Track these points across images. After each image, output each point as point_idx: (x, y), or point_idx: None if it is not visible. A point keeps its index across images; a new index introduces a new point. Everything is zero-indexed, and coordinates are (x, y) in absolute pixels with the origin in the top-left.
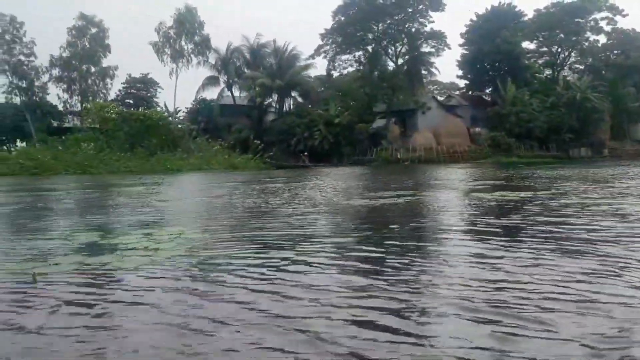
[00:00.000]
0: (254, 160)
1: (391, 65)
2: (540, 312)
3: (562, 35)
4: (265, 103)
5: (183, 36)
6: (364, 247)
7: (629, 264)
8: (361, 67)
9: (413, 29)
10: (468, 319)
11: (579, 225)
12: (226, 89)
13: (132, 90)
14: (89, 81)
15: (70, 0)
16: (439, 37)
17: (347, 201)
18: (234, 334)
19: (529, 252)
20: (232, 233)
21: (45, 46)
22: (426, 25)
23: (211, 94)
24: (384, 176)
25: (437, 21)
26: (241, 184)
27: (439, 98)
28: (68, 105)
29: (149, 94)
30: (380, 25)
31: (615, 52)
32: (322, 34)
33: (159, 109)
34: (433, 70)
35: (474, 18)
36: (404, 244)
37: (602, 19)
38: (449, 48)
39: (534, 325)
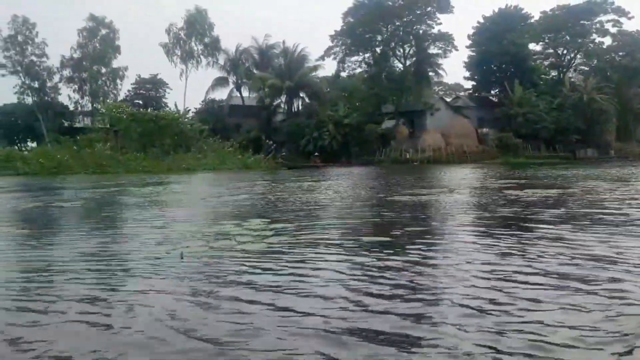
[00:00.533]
0: (266, 161)
1: (399, 67)
2: None
3: (567, 37)
4: (274, 103)
5: (193, 37)
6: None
7: None
8: (369, 69)
9: (421, 31)
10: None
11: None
12: (235, 90)
13: (141, 91)
14: (99, 82)
15: (80, 1)
16: (446, 39)
17: (391, 197)
18: None
19: (609, 234)
20: (314, 222)
21: (56, 47)
22: (433, 27)
23: (220, 94)
24: (403, 176)
25: (444, 23)
26: (269, 182)
27: (445, 99)
28: (79, 106)
29: (158, 95)
30: (388, 27)
31: (621, 53)
32: (331, 36)
33: (167, 109)
34: (440, 71)
35: (481, 20)
36: (496, 230)
37: (608, 21)
38: (456, 50)
39: None
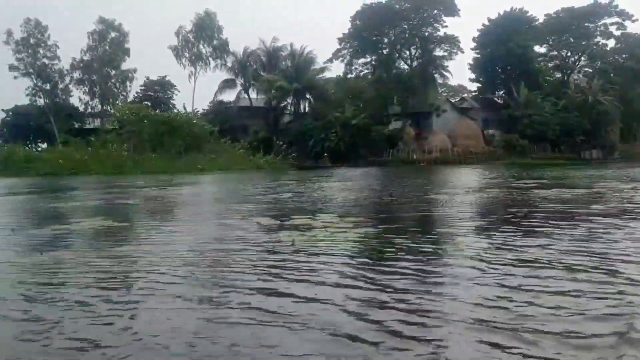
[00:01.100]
0: (277, 161)
1: (406, 69)
2: None
3: (571, 40)
4: (282, 105)
5: (202, 40)
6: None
7: None
8: (376, 71)
9: (427, 33)
10: None
11: None
12: (243, 92)
13: (150, 93)
14: (109, 84)
15: (90, 4)
16: (451, 41)
17: (432, 195)
18: None
19: None
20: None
21: (67, 49)
22: (439, 30)
23: (228, 96)
24: (419, 176)
25: (450, 25)
26: (297, 182)
27: (451, 100)
28: (89, 107)
29: (166, 96)
30: (395, 29)
31: (624, 55)
32: (339, 39)
33: (176, 110)
34: (446, 73)
35: (486, 22)
36: (564, 222)
37: (612, 23)
38: (462, 52)
39: None
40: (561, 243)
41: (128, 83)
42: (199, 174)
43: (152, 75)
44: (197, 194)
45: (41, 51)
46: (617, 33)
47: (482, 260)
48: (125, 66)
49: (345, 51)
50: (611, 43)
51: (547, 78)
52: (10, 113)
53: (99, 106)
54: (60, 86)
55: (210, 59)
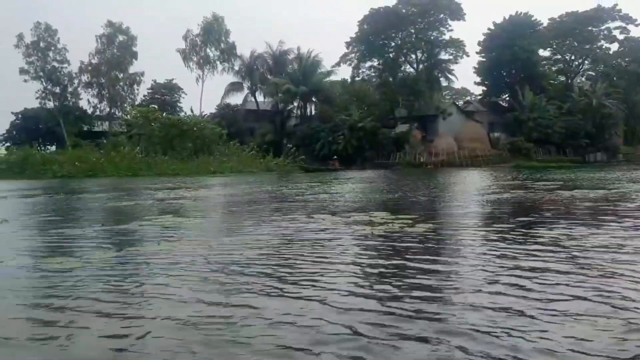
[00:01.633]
0: (287, 164)
1: (412, 72)
2: None
3: (575, 44)
4: (288, 108)
5: (209, 44)
6: None
7: None
8: (382, 74)
9: (432, 37)
10: None
11: None
12: (250, 95)
13: (157, 96)
14: (117, 87)
15: (99, 8)
16: (457, 45)
17: (461, 195)
18: None
19: None
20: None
21: (75, 52)
22: (445, 34)
23: (235, 99)
24: (432, 178)
25: (455, 29)
26: (323, 183)
27: (457, 104)
28: (98, 110)
29: (173, 99)
30: (402, 33)
31: (627, 59)
32: (347, 42)
33: (183, 113)
34: (451, 77)
35: (491, 27)
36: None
37: (616, 28)
38: (467, 55)
39: None
40: (620, 232)
41: (136, 86)
42: (213, 176)
43: (159, 79)
44: (235, 194)
45: (51, 54)
46: (621, 37)
47: (564, 247)
48: (132, 69)
49: (353, 55)
50: (614, 47)
51: (552, 82)
52: (20, 116)
53: (107, 109)
54: (70, 89)
55: (218, 62)
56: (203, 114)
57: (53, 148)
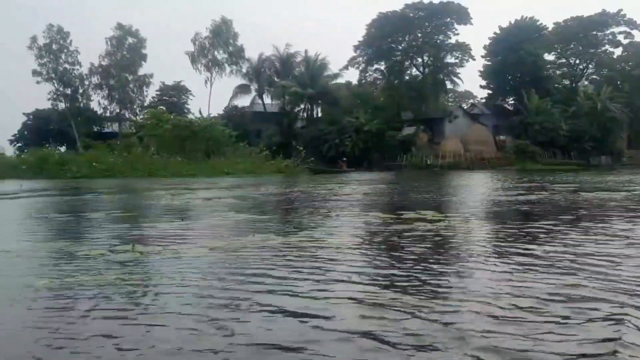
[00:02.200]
0: (297, 165)
1: (418, 75)
2: None
3: (580, 48)
4: (296, 110)
5: (218, 46)
6: None
7: None
8: (389, 77)
9: (438, 41)
10: None
11: None
12: (257, 97)
13: (165, 97)
14: (127, 89)
15: (109, 10)
16: (463, 49)
17: (493, 197)
18: None
19: None
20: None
21: (85, 54)
22: (450, 37)
23: (243, 101)
24: (446, 179)
25: (461, 33)
26: (341, 184)
27: (463, 107)
28: (108, 112)
29: (181, 101)
30: (408, 37)
31: (630, 63)
32: (355, 46)
33: (190, 115)
34: (457, 80)
35: (497, 31)
36: None
37: (620, 32)
38: (473, 59)
39: None
40: None
41: (145, 88)
42: (228, 177)
43: (167, 81)
44: (274, 194)
45: (63, 57)
46: (625, 42)
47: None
48: (142, 71)
49: (360, 58)
50: (618, 51)
51: (557, 85)
52: (31, 117)
53: (117, 110)
54: (80, 91)
55: (226, 64)
56: (211, 115)
57: (63, 149)
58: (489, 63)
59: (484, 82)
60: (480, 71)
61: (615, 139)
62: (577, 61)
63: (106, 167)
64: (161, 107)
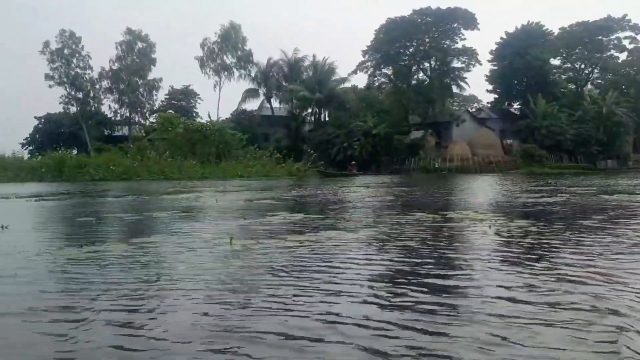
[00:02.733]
0: (308, 169)
1: (425, 79)
2: None
3: (585, 52)
4: (304, 114)
5: (227, 51)
6: None
7: None
8: (397, 82)
9: (445, 45)
10: None
11: None
12: (265, 101)
13: (174, 101)
14: (137, 92)
15: (119, 15)
16: (470, 54)
17: (523, 200)
18: None
19: None
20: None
21: (96, 59)
22: (457, 42)
23: (251, 105)
24: (466, 183)
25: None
26: (364, 187)
27: (470, 111)
28: (119, 115)
29: (189, 105)
30: (416, 42)
31: (635, 68)
32: (364, 51)
33: (198, 119)
34: (463, 84)
35: (504, 36)
36: None
37: (625, 37)
38: (480, 64)
39: None
40: None
41: (154, 92)
42: (243, 179)
43: (176, 85)
44: (304, 196)
45: (74, 61)
46: (630, 46)
47: None
48: (151, 75)
49: (369, 63)
50: (623, 56)
51: (563, 90)
52: (43, 120)
53: (127, 114)
54: (92, 95)
55: (235, 69)
56: (220, 119)
57: (74, 152)
58: (496, 67)
59: (489, 86)
60: (486, 75)
61: (621, 143)
62: (583, 66)
63: (122, 170)
64: (170, 111)
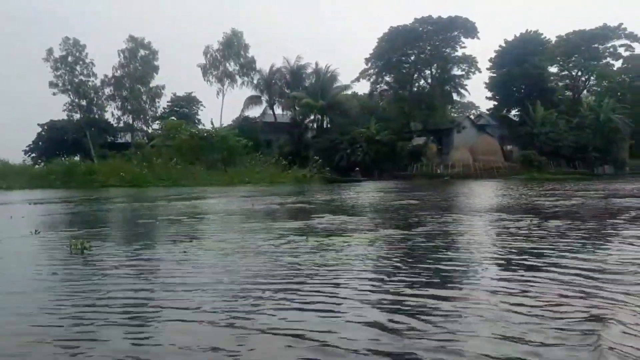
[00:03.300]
0: (314, 175)
1: (426, 87)
2: None
3: (582, 60)
4: (306, 121)
5: (230, 58)
6: None
7: None
8: (398, 89)
9: (445, 53)
10: None
11: None
12: (268, 108)
13: (176, 108)
14: (140, 100)
15: (121, 23)
16: (469, 61)
17: (542, 203)
18: None
19: None
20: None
21: (98, 66)
22: (458, 50)
23: (254, 112)
24: (474, 188)
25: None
26: (380, 193)
27: (471, 117)
28: (122, 122)
29: (192, 112)
30: (417, 50)
31: (631, 75)
32: (366, 59)
33: (201, 126)
34: (463, 91)
35: (503, 44)
36: None
37: (621, 45)
38: (479, 72)
39: None
40: None
41: (157, 99)
42: (252, 185)
43: (178, 92)
44: (328, 201)
45: (78, 68)
46: (626, 54)
47: None
48: (154, 83)
49: (372, 70)
50: (618, 64)
51: (560, 97)
52: (46, 127)
53: (130, 121)
54: (96, 102)
55: (237, 76)
56: (223, 126)
57: (77, 159)
58: (495, 75)
59: (487, 93)
60: (486, 83)
61: (617, 149)
62: (580, 73)
63: (132, 177)
64: (172, 118)
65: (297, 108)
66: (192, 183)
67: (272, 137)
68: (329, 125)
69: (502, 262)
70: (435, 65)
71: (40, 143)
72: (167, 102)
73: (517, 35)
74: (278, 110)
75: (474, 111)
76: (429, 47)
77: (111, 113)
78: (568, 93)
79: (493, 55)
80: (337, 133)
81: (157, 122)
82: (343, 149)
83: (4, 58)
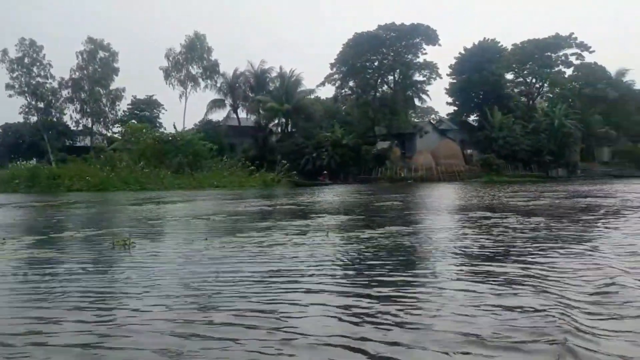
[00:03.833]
0: (281, 179)
1: (389, 92)
2: None
3: (536, 68)
4: (271, 125)
5: (193, 62)
6: None
7: None
8: (362, 94)
9: (408, 60)
10: None
11: None
12: (232, 111)
13: (137, 111)
14: (99, 102)
15: (79, 24)
16: (431, 68)
17: (525, 203)
18: None
19: None
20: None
21: (56, 68)
22: (419, 57)
23: (217, 115)
24: (443, 191)
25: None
26: (359, 195)
27: (432, 122)
28: (81, 125)
29: (153, 115)
30: (380, 56)
31: (581, 82)
32: (331, 64)
33: (162, 129)
34: (424, 97)
35: (462, 51)
36: None
37: (572, 54)
38: (440, 78)
39: None
40: None
41: (117, 102)
42: (225, 189)
43: (140, 95)
44: (315, 202)
45: (35, 70)
46: (577, 62)
47: None
48: (114, 85)
49: (336, 75)
50: (569, 71)
51: (516, 102)
52: (0, 130)
53: (90, 124)
54: (54, 104)
55: (200, 79)
56: (186, 130)
57: (33, 162)
58: (455, 81)
59: (447, 98)
60: (446, 88)
61: (570, 153)
62: (534, 80)
63: (99, 181)
64: (133, 121)
65: (261, 112)
66: (160, 187)
67: (236, 141)
68: (293, 130)
69: (517, 248)
70: (397, 70)
71: None
72: (128, 105)
73: (476, 43)
74: (242, 114)
75: (433, 116)
76: (392, 53)
77: (70, 116)
78: (523, 99)
79: (453, 62)
80: (302, 137)
81: (117, 125)
82: (309, 152)
83: None
